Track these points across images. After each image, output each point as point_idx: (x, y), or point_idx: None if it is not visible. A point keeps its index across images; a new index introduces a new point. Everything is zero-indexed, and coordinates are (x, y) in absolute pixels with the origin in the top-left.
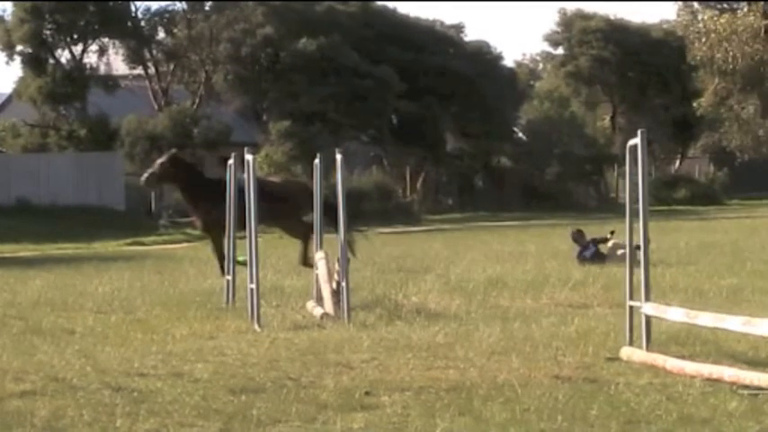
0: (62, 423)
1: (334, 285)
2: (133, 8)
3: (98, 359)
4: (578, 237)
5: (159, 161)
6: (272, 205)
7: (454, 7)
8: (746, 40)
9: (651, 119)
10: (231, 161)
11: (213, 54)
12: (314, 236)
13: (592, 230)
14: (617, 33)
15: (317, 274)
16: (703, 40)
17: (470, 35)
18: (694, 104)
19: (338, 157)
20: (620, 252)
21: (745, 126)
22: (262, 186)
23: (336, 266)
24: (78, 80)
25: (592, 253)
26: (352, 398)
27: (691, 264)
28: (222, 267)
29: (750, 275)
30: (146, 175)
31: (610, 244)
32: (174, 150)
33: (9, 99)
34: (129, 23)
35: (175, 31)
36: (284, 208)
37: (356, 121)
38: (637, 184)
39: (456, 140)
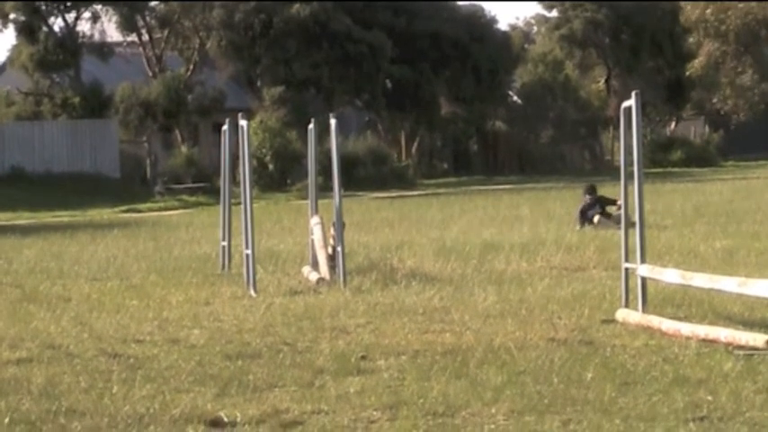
0: (58, 390)
1: (330, 250)
2: None
3: (94, 326)
4: (590, 191)
5: None
6: None
7: None
8: None
9: (645, 81)
10: (225, 127)
11: (206, 20)
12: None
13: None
14: None
15: (312, 240)
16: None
17: None
18: (687, 67)
19: (332, 122)
20: (616, 213)
21: (739, 89)
22: None
23: (332, 231)
24: (71, 48)
25: (593, 215)
26: (348, 362)
27: (686, 225)
28: None
29: (745, 237)
30: None
31: (616, 212)
32: None
33: (3, 67)
34: None
35: None
36: None
37: (349, 86)
38: (631, 147)
39: (450, 105)
